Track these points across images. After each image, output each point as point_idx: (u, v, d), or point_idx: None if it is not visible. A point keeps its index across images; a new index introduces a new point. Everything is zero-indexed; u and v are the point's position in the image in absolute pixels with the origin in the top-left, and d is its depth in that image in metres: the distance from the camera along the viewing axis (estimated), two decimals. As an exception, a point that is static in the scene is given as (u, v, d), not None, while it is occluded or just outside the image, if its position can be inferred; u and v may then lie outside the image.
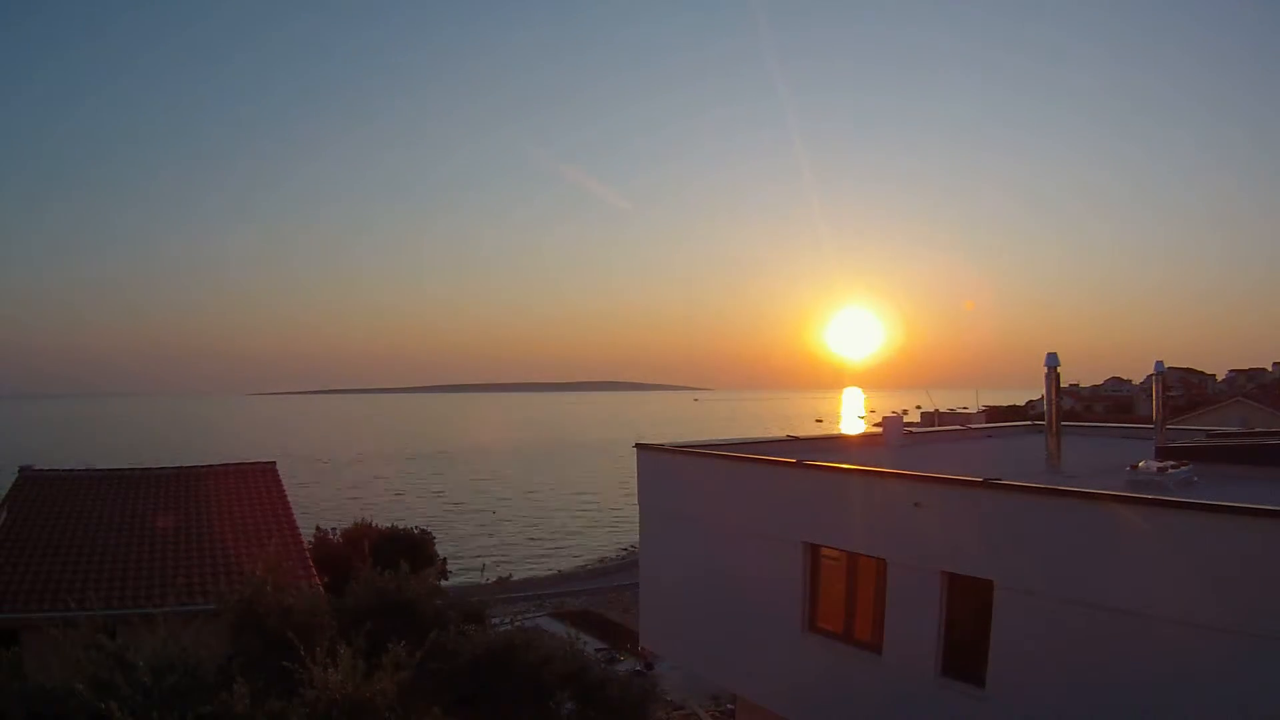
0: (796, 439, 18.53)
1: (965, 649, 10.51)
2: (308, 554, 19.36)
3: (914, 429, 24.71)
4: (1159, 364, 16.82)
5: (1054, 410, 14.01)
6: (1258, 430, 20.71)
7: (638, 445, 17.22)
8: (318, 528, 27.78)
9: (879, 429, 19.98)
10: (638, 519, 17.32)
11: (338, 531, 27.07)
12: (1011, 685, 9.84)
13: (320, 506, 60.03)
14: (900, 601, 11.30)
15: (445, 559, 23.97)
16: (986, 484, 10.39)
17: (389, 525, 28.73)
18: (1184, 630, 8.20)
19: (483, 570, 14.25)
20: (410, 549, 22.39)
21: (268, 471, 22.53)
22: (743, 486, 14.58)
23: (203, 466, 22.84)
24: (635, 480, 17.25)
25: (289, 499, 21.40)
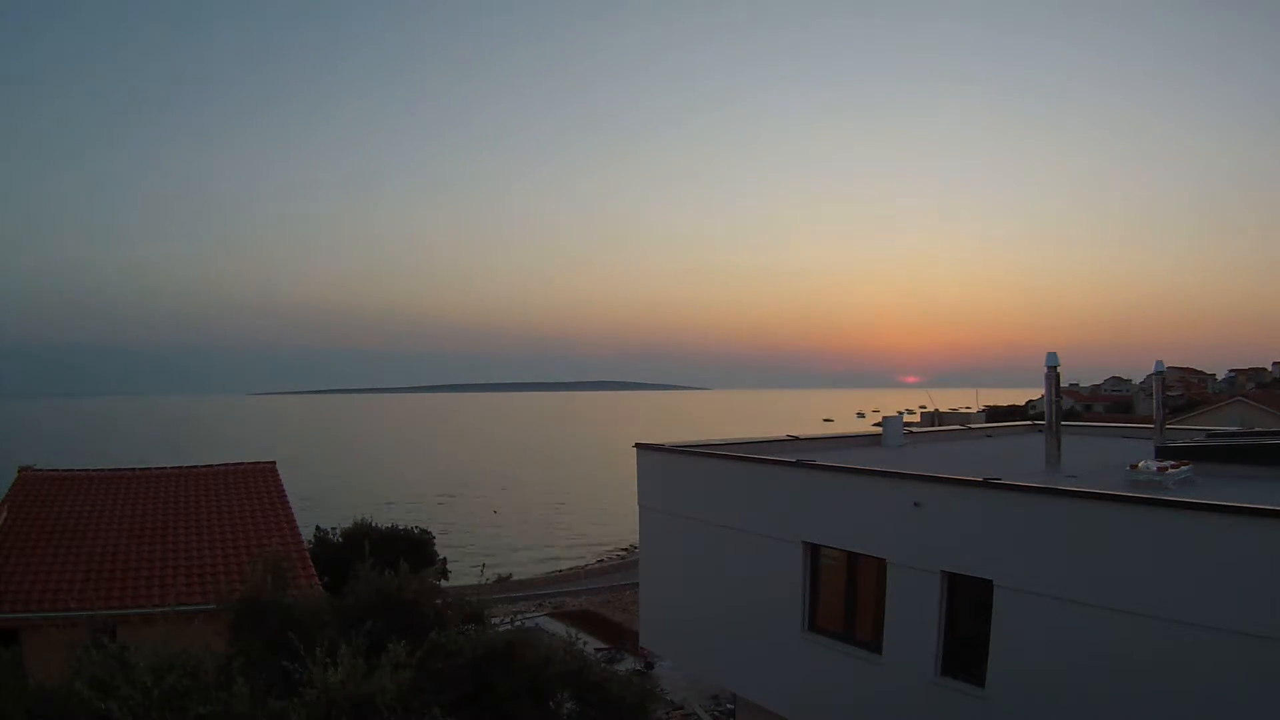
0: (796, 439, 18.53)
1: (965, 649, 10.53)
2: (308, 554, 19.35)
3: (914, 429, 24.69)
4: (1159, 364, 16.85)
5: (1054, 410, 14.01)
6: (1258, 430, 20.70)
7: (638, 445, 17.19)
8: (317, 528, 27.83)
9: (879, 429, 19.96)
10: (637, 519, 17.32)
11: (338, 531, 27.12)
12: (1011, 685, 9.85)
13: (320, 506, 59.98)
14: (900, 601, 11.32)
15: (445, 559, 23.97)
16: (986, 484, 10.40)
17: (389, 525, 28.78)
18: (1184, 630, 8.21)
19: (482, 570, 14.16)
20: (410, 549, 22.43)
21: (268, 471, 22.54)
22: (743, 486, 14.58)
23: (203, 466, 22.85)
24: (635, 479, 17.24)
25: (289, 499, 21.40)
